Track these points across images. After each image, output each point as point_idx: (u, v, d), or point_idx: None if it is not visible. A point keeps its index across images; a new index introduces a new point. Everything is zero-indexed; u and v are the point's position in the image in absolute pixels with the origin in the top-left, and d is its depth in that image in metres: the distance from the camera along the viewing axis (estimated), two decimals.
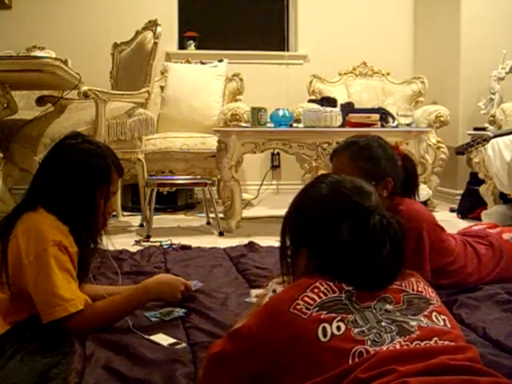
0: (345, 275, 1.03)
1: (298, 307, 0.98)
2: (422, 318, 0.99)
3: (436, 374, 0.84)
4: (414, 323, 0.97)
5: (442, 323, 1.00)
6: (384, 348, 0.91)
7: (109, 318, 1.54)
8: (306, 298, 0.99)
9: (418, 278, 1.09)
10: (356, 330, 0.94)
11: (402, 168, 1.88)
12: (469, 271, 1.89)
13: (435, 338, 0.94)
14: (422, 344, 0.93)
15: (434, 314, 1.01)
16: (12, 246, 1.48)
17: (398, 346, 0.92)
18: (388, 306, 1.00)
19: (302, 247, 1.13)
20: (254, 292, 1.75)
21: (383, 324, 0.96)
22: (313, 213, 1.12)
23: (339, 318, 0.96)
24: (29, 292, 1.47)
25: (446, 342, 0.94)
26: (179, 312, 1.67)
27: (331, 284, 1.01)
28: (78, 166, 1.54)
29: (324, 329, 0.95)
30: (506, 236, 2.03)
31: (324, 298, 0.99)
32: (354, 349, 0.92)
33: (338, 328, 0.95)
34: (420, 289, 1.06)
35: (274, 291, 1.61)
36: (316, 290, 1.00)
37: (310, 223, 1.12)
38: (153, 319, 1.63)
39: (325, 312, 0.97)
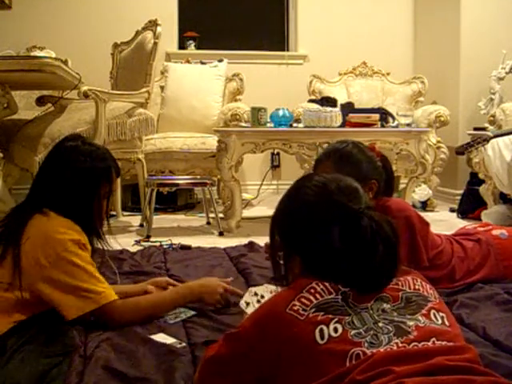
0: (341, 279, 1.02)
1: (295, 308, 0.98)
2: (420, 318, 0.98)
3: (432, 375, 0.84)
4: (411, 323, 0.96)
5: (440, 321, 0.99)
6: (381, 349, 0.91)
7: (148, 314, 1.60)
8: (303, 299, 0.99)
9: (414, 276, 1.08)
10: (353, 332, 0.94)
11: (382, 168, 1.92)
12: (455, 265, 1.92)
13: (433, 339, 0.94)
14: (420, 345, 0.92)
15: (433, 311, 1.00)
16: (26, 249, 1.49)
17: (395, 348, 0.91)
18: (385, 306, 0.99)
19: (295, 255, 1.12)
20: (243, 303, 1.70)
21: (380, 325, 0.95)
22: (302, 220, 1.10)
23: (336, 319, 0.95)
24: (43, 293, 1.48)
25: (444, 343, 0.94)
26: (187, 314, 1.66)
27: (327, 285, 1.00)
28: (82, 169, 1.60)
29: (321, 331, 0.94)
30: (496, 232, 2.04)
31: (320, 299, 0.98)
32: (352, 351, 0.91)
33: (335, 330, 0.94)
34: (417, 286, 1.05)
35: (256, 294, 1.60)
36: (312, 291, 0.99)
37: (300, 232, 1.10)
38: (159, 320, 1.62)
39: (321, 313, 0.96)
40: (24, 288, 1.48)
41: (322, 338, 0.94)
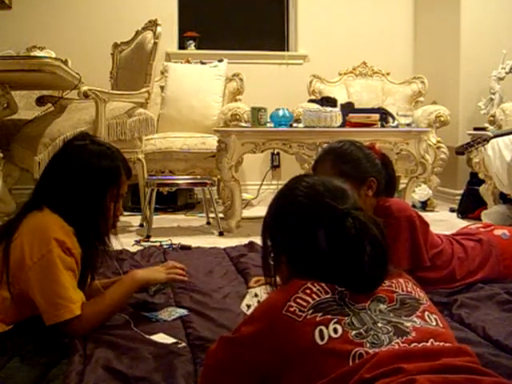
0: (331, 279, 1.01)
1: (292, 309, 0.97)
2: (416, 319, 0.98)
3: (442, 373, 0.84)
4: (408, 324, 0.96)
5: (434, 323, 0.99)
6: (383, 349, 0.90)
7: (104, 316, 1.54)
8: (299, 300, 0.98)
9: (405, 279, 1.08)
10: (353, 333, 0.93)
11: (382, 166, 1.92)
12: (455, 265, 1.92)
13: (431, 340, 0.94)
14: (420, 345, 0.92)
15: (426, 313, 1.01)
16: (15, 246, 1.46)
17: (396, 347, 0.91)
18: (382, 306, 0.99)
19: (282, 255, 1.12)
20: (245, 305, 1.71)
21: (379, 325, 0.95)
22: (289, 221, 1.10)
23: (335, 319, 0.95)
24: (29, 293, 1.45)
25: (442, 343, 0.94)
26: (180, 312, 1.67)
27: (323, 285, 1.00)
28: (88, 168, 1.53)
29: (321, 332, 0.94)
30: (497, 232, 2.04)
31: (317, 299, 0.98)
32: (354, 351, 0.91)
33: (335, 330, 0.93)
34: (409, 289, 1.05)
35: (256, 295, 1.60)
36: (308, 291, 0.99)
37: (287, 232, 1.10)
38: (153, 319, 1.63)
39: (320, 314, 0.95)
40: (13, 285, 1.44)
41: (322, 338, 0.93)
